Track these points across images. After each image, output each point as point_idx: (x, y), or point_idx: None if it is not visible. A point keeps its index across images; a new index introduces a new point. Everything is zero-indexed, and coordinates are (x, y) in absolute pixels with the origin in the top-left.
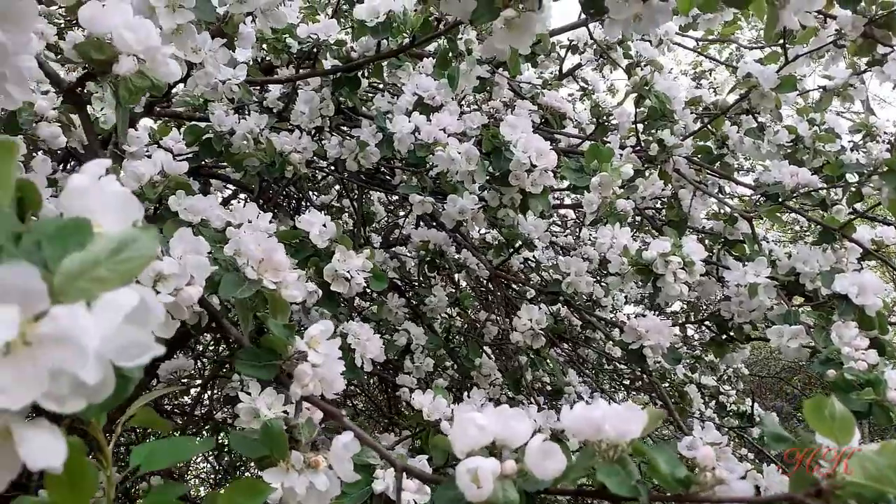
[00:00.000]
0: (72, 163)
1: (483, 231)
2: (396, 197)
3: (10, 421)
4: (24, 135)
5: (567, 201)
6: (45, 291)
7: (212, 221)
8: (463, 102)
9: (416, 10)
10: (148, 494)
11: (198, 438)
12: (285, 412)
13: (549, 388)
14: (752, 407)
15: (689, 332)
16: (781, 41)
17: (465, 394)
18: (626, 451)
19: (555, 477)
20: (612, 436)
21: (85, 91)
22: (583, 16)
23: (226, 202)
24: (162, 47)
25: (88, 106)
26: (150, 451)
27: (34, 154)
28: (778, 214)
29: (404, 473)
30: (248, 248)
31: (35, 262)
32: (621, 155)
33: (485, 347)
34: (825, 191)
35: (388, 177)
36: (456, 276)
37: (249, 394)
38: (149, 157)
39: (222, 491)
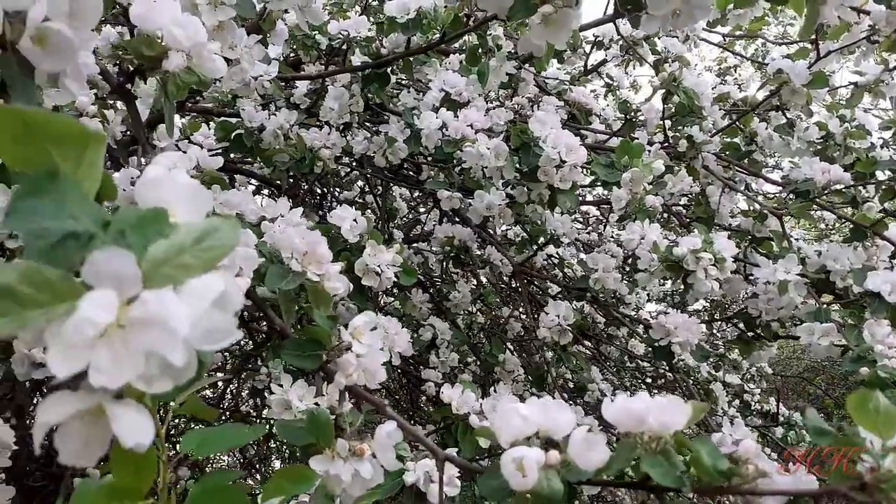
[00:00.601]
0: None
1: (505, 228)
2: (418, 193)
3: (103, 399)
4: None
5: (589, 198)
6: (139, 276)
7: (246, 216)
8: (487, 98)
9: (446, 7)
10: (200, 479)
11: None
12: (316, 404)
13: (571, 384)
14: (777, 406)
15: (714, 330)
16: (813, 37)
17: (492, 388)
18: (669, 443)
19: (598, 467)
20: (656, 427)
21: (133, 87)
22: (610, 12)
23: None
24: (208, 44)
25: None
26: (203, 438)
27: None
28: (808, 212)
29: (446, 462)
30: (292, 242)
31: (122, 248)
32: (649, 151)
33: (507, 344)
34: (856, 188)
35: (412, 173)
36: (479, 272)
37: (281, 385)
38: (182, 152)
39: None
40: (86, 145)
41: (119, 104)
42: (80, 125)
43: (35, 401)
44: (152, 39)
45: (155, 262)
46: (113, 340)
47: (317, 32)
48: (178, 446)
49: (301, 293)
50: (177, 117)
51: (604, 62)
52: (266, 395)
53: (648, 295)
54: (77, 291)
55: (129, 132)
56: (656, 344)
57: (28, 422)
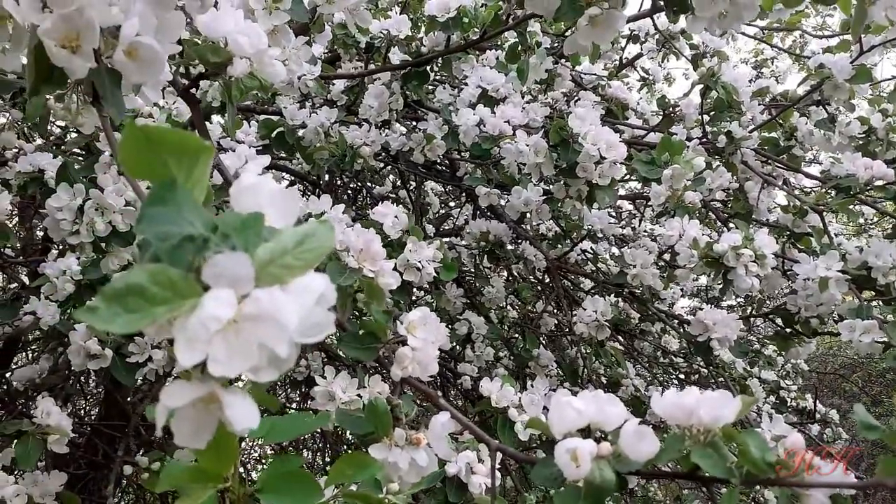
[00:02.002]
0: None
1: (536, 223)
2: (450, 187)
3: (216, 388)
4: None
5: (622, 192)
6: (252, 276)
7: None
8: (521, 94)
9: (485, 5)
10: (271, 463)
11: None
12: (359, 395)
13: (604, 379)
14: (814, 403)
15: (750, 325)
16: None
17: (529, 383)
18: (718, 436)
19: (648, 459)
20: (707, 420)
21: (198, 90)
22: (646, 7)
23: None
24: (269, 49)
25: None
26: (271, 426)
27: None
28: (850, 207)
29: (498, 453)
30: (349, 240)
31: (229, 248)
32: (688, 146)
33: (540, 339)
34: None
35: (445, 168)
36: (512, 267)
37: (325, 377)
38: (222, 149)
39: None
40: (198, 156)
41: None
42: (195, 138)
43: (82, 390)
44: (217, 46)
45: (262, 263)
46: (228, 334)
47: (357, 31)
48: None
49: (355, 287)
50: (217, 116)
51: (639, 56)
52: (303, 387)
53: (682, 290)
54: (196, 290)
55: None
56: (695, 340)
57: (75, 410)
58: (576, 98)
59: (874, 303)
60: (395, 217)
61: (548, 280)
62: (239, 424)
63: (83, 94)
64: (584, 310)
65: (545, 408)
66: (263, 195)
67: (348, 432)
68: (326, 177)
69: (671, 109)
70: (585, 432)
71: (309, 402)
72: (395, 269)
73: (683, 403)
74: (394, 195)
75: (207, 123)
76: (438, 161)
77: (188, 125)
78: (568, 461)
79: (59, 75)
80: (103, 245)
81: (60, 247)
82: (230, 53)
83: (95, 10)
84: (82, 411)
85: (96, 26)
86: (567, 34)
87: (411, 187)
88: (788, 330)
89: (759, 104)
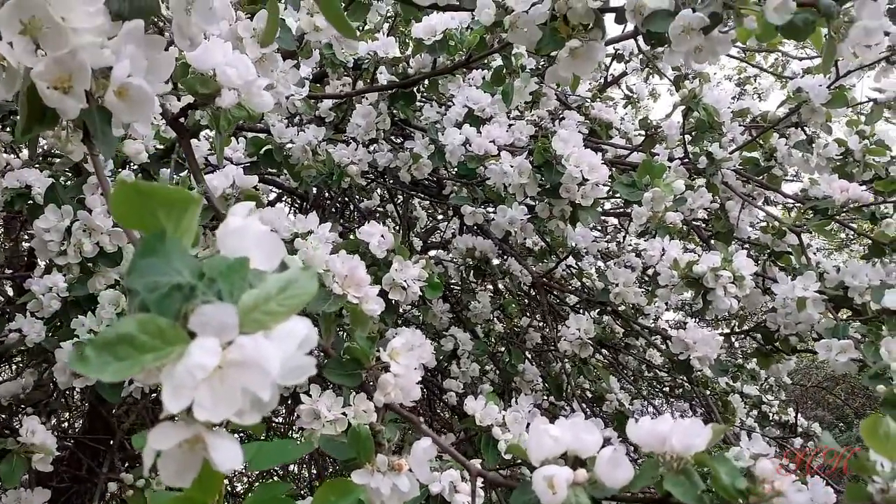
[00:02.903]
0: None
1: (521, 240)
2: (437, 201)
3: (202, 430)
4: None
5: (607, 206)
6: (237, 325)
7: (280, 232)
8: (508, 113)
9: (471, 29)
10: (255, 490)
11: (297, 441)
12: (344, 414)
13: (589, 394)
14: (795, 417)
15: (733, 340)
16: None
17: (513, 400)
18: (690, 463)
19: (623, 485)
20: (679, 448)
21: (187, 120)
22: (629, 28)
23: (272, 204)
24: (257, 80)
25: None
26: (258, 451)
27: (115, 169)
28: (827, 228)
29: (479, 478)
30: (335, 266)
31: (215, 295)
32: (670, 167)
33: (526, 353)
34: (876, 205)
35: (433, 184)
36: (498, 281)
37: (310, 395)
38: (210, 166)
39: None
40: (186, 208)
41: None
42: (184, 192)
43: (67, 403)
44: (206, 78)
45: (247, 309)
46: (213, 380)
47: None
48: None
49: (338, 313)
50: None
51: (624, 74)
52: (289, 401)
53: (667, 304)
54: (183, 337)
55: (161, 147)
56: (676, 358)
57: (58, 423)
58: (561, 116)
59: (852, 322)
60: (382, 236)
61: (534, 293)
62: (223, 465)
63: (74, 128)
64: (568, 328)
65: (529, 424)
66: (249, 238)
67: None
68: (314, 191)
69: (653, 130)
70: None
71: (294, 417)
72: (381, 288)
73: (657, 431)
74: (381, 209)
75: (195, 141)
76: (426, 178)
77: (176, 143)
78: (545, 488)
79: (52, 115)
80: (90, 265)
81: (47, 261)
82: (219, 85)
83: (88, 52)
84: (66, 423)
85: (88, 68)
86: (552, 56)
87: (399, 202)
88: (769, 347)
89: (740, 125)
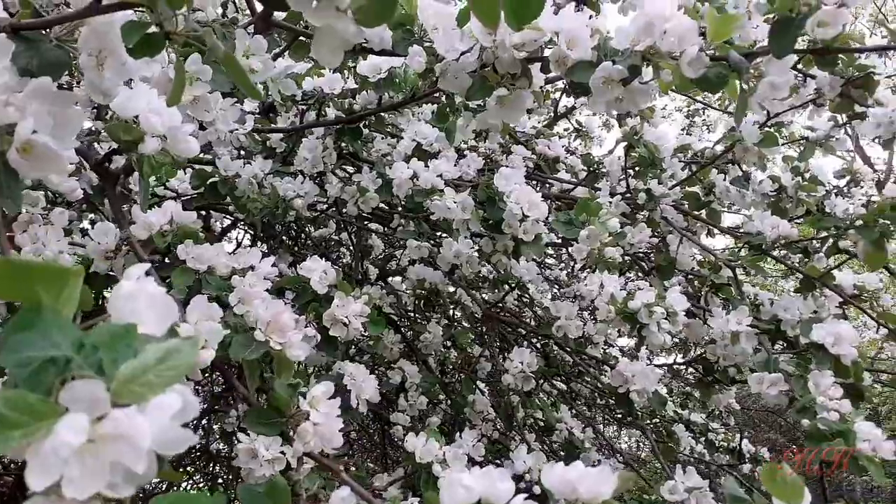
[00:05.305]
0: (83, 206)
1: (467, 273)
2: (390, 230)
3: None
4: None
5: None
6: (108, 399)
7: (218, 269)
8: (458, 148)
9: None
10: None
11: (210, 494)
12: (282, 453)
13: (541, 423)
14: (739, 444)
15: (681, 367)
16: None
17: (458, 434)
18: None
19: None
20: (586, 496)
21: (111, 165)
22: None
23: (225, 232)
24: (183, 126)
25: None
26: (173, 502)
27: (49, 207)
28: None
29: None
30: (258, 312)
31: (93, 366)
32: (611, 202)
33: (478, 383)
34: (808, 240)
35: (385, 213)
36: (451, 311)
37: (248, 434)
38: (156, 198)
39: None
40: (66, 281)
41: None
42: (60, 267)
43: None
44: (129, 125)
45: (124, 380)
46: (84, 455)
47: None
48: None
49: (266, 358)
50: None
51: (573, 108)
52: (235, 438)
53: (619, 331)
54: (55, 412)
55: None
56: (616, 391)
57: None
58: (509, 152)
59: (786, 355)
60: (324, 272)
61: (485, 329)
62: None
63: None
64: (512, 360)
65: (470, 459)
66: (141, 301)
67: None
68: (264, 225)
69: (596, 166)
70: None
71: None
72: (321, 324)
73: (567, 479)
74: (337, 237)
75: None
76: (378, 207)
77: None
78: None
79: None
80: None
81: None
82: (142, 132)
83: None
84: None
85: None
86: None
87: (353, 230)
88: (709, 378)
89: (681, 160)
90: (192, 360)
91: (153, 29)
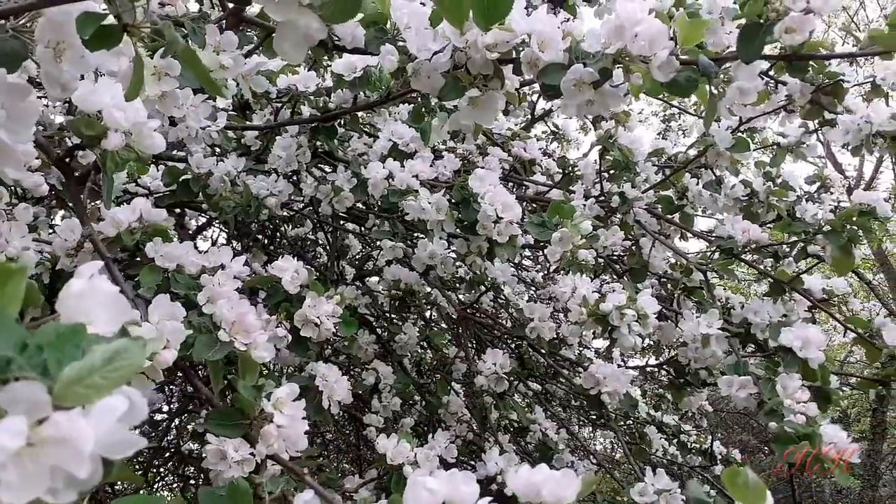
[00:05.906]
0: (52, 202)
1: (442, 274)
2: (366, 230)
3: None
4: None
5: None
6: (48, 402)
7: (187, 267)
8: (435, 148)
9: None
10: None
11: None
12: (252, 454)
13: (515, 424)
14: (710, 445)
15: (655, 369)
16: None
17: (431, 435)
18: None
19: None
20: (549, 500)
21: (74, 161)
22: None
23: (200, 230)
24: (148, 122)
25: None
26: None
27: (14, 202)
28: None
29: None
30: (222, 312)
31: (37, 367)
32: (585, 205)
33: (454, 384)
34: (776, 245)
35: (361, 213)
36: (427, 312)
37: (217, 435)
38: (128, 195)
39: None
40: (8, 279)
41: None
42: (2, 264)
43: None
44: (92, 120)
45: (68, 382)
46: (23, 459)
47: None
48: None
49: (230, 360)
50: None
51: (550, 111)
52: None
53: (594, 332)
54: None
55: (77, 173)
56: (587, 393)
57: None
58: (486, 153)
59: (756, 359)
60: (296, 272)
61: (460, 329)
62: None
63: None
64: (485, 362)
65: (442, 460)
66: (93, 300)
67: None
68: (237, 223)
69: (571, 169)
70: None
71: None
72: (293, 324)
73: (532, 482)
74: (313, 237)
75: None
76: (354, 207)
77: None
78: None
79: None
80: None
81: None
82: (105, 127)
83: None
84: None
85: None
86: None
87: (329, 230)
88: (681, 380)
89: (655, 164)
90: (141, 361)
91: (110, 20)
